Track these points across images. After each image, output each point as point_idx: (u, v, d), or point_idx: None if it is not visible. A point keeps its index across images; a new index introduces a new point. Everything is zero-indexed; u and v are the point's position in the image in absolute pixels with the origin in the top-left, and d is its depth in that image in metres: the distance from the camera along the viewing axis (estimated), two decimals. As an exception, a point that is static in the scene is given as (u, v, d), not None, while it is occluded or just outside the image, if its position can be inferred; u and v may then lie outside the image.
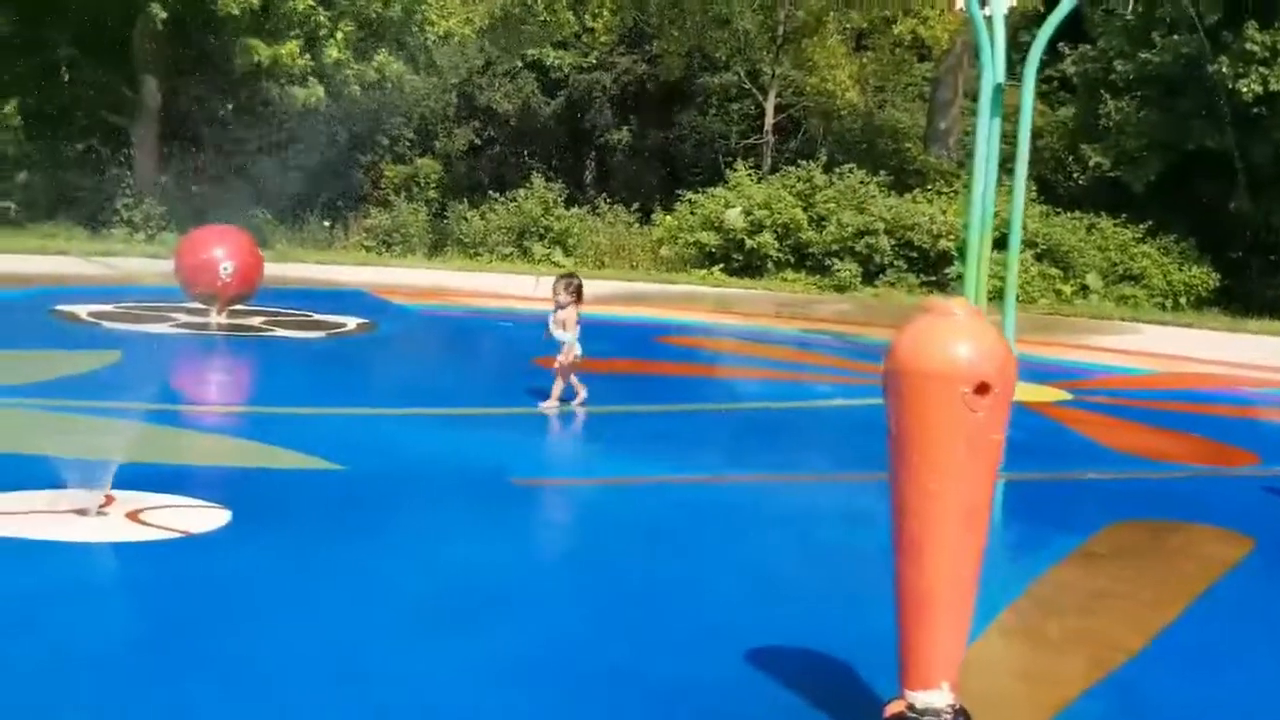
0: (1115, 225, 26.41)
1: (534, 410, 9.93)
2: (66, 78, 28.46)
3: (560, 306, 9.90)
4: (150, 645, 4.68)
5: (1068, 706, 4.56)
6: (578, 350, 9.95)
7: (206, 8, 24.52)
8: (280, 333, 14.09)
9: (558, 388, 9.99)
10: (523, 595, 5.49)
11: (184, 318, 14.25)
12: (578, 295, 9.98)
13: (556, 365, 9.97)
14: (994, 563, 4.22)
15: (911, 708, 4.01)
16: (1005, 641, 5.19)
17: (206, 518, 6.22)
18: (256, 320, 14.58)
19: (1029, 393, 11.60)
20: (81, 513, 6.06)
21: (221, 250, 14.07)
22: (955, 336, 3.85)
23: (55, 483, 6.32)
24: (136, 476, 6.56)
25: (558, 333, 9.88)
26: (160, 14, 24.51)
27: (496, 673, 4.58)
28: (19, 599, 5.01)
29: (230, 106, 29.31)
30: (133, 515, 6.11)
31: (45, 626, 4.74)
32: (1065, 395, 12.58)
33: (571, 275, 10.23)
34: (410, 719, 4.19)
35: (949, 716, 4.00)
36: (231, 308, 14.39)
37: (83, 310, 14.56)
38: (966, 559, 3.99)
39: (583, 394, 10.06)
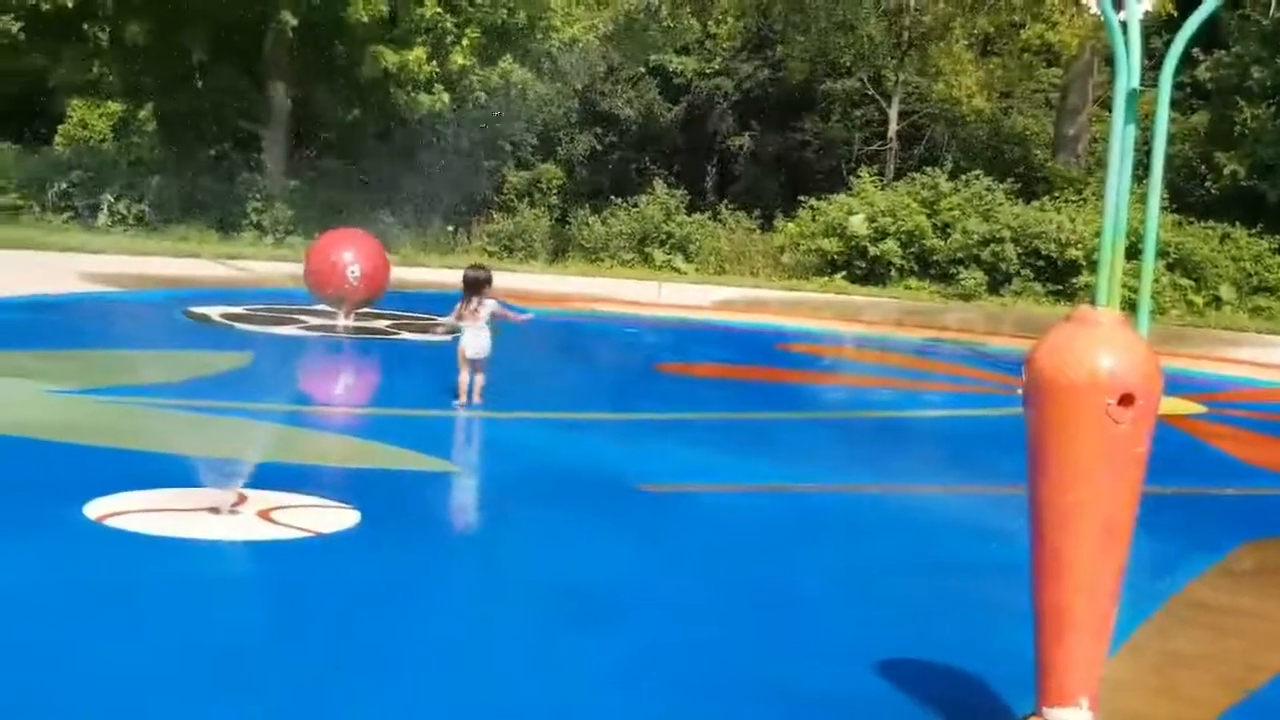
0: (1250, 235, 25.80)
1: (658, 416, 9.92)
2: (199, 84, 29.08)
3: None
4: (280, 643, 4.73)
5: (1208, 727, 4.44)
6: (465, 346, 9.40)
7: (336, 15, 24.91)
8: (405, 336, 14.25)
9: (462, 382, 9.46)
10: (648, 600, 5.47)
11: (312, 320, 14.46)
12: (465, 287, 9.52)
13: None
14: (1130, 578, 4.11)
15: (1048, 725, 3.92)
16: (1143, 659, 5.06)
17: (336, 518, 6.29)
18: (382, 323, 14.76)
19: (1162, 405, 11.34)
20: (214, 511, 6.15)
21: (349, 254, 14.24)
22: (1099, 346, 3.76)
23: (189, 481, 6.43)
24: (268, 476, 6.66)
25: (450, 320, 9.54)
26: (291, 21, 24.95)
27: (624, 675, 4.57)
28: (154, 594, 5.10)
29: (358, 112, 29.75)
30: (264, 514, 6.19)
31: (179, 622, 4.81)
32: (1199, 408, 12.30)
33: (471, 267, 9.78)
34: (542, 716, 4.20)
35: (1087, 735, 3.91)
36: (358, 310, 14.57)
37: (214, 312, 14.85)
38: (1106, 574, 3.89)
39: (462, 398, 9.42)
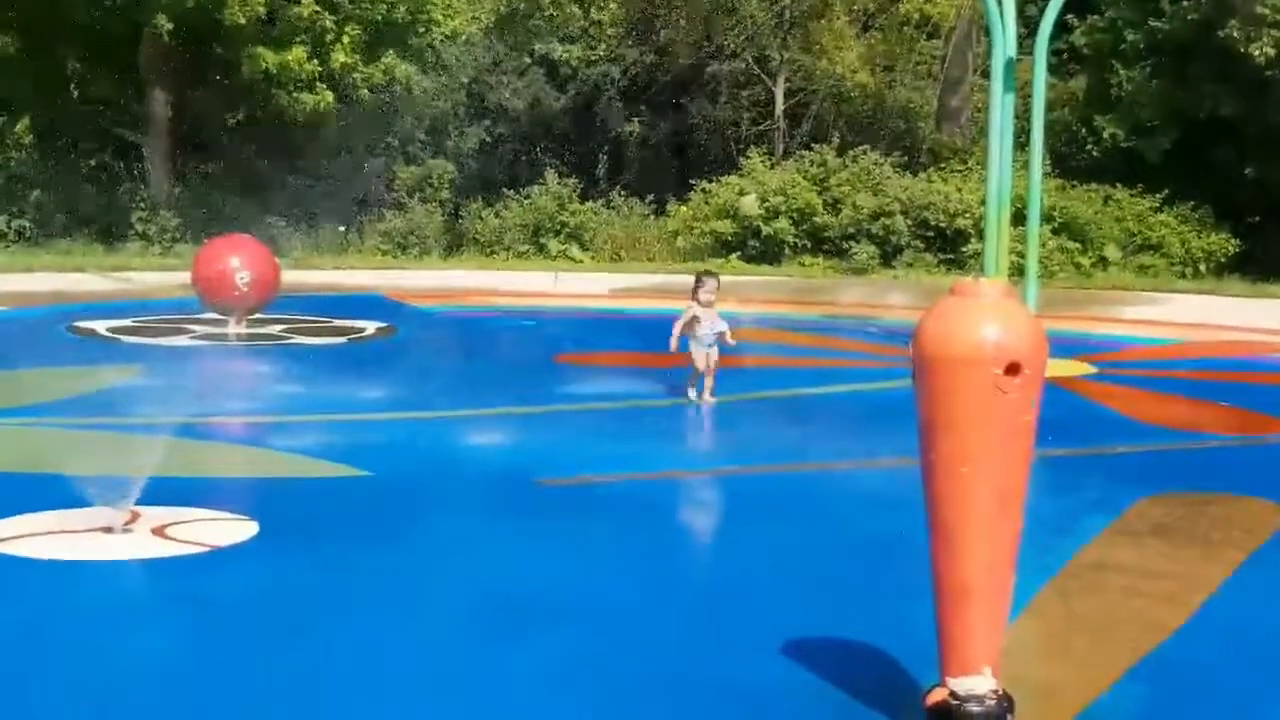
0: (1131, 195, 26.31)
1: (558, 408, 9.90)
2: (75, 94, 28.49)
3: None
4: (182, 661, 4.63)
5: (1110, 687, 4.49)
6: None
7: (212, 18, 24.53)
8: (299, 340, 14.07)
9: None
10: (566, 600, 5.40)
11: (202, 329, 14.24)
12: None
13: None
14: (1029, 543, 4.14)
15: (954, 694, 3.95)
16: (1045, 623, 5.12)
17: (234, 530, 6.18)
18: (275, 328, 14.57)
19: (1054, 368, 11.49)
20: (107, 530, 6.02)
21: (238, 260, 14.04)
22: (983, 318, 3.78)
23: (80, 501, 6.28)
24: (162, 491, 6.52)
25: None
26: (166, 25, 24.53)
27: (542, 678, 4.50)
28: (49, 619, 4.98)
29: (240, 115, 29.33)
30: (159, 531, 6.08)
31: (75, 646, 4.71)
32: (1091, 369, 12.50)
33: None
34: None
35: (991, 701, 3.94)
36: (250, 317, 14.37)
37: (101, 326, 14.57)
38: (1003, 543, 3.92)
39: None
